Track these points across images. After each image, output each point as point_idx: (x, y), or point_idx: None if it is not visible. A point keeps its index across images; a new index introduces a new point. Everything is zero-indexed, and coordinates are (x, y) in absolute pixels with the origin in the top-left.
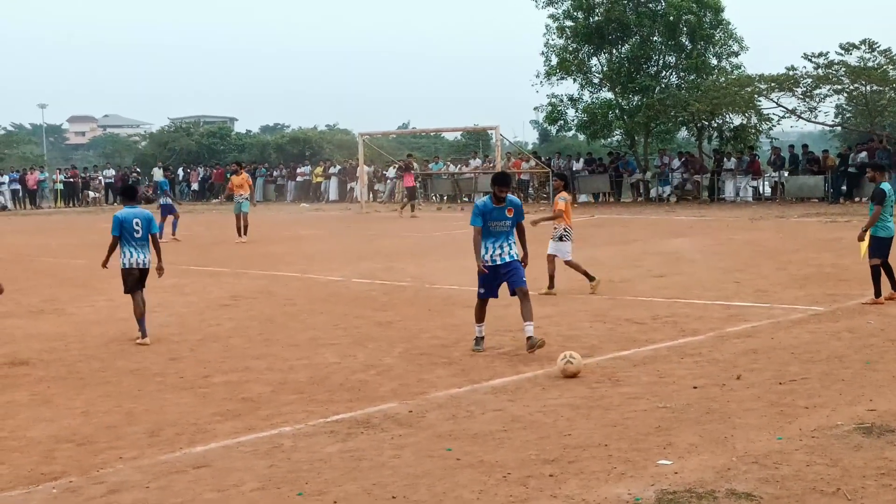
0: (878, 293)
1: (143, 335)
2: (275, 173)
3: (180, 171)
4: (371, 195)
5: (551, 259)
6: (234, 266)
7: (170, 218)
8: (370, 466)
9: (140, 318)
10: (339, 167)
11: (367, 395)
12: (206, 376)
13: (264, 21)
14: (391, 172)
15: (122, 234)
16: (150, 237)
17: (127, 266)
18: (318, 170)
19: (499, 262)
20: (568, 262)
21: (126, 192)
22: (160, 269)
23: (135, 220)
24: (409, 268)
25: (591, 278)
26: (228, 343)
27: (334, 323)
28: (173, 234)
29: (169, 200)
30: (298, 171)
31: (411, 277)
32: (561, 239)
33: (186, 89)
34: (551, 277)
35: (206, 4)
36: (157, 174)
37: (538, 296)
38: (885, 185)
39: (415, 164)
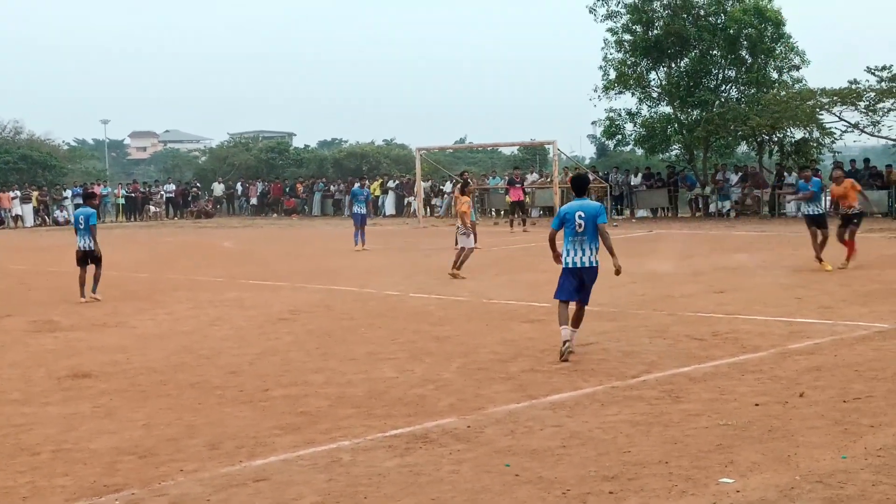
0: None
1: (82, 295)
2: (332, 188)
3: (238, 186)
4: (428, 210)
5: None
6: (294, 280)
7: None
8: (428, 481)
9: (82, 284)
10: (396, 182)
11: (425, 410)
12: (265, 390)
13: (325, 34)
14: (448, 187)
15: (75, 226)
16: (90, 228)
17: (77, 248)
18: (376, 185)
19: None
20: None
21: (84, 196)
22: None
23: (80, 217)
24: (467, 283)
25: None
26: (287, 357)
27: (392, 337)
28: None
29: None
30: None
31: (469, 292)
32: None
33: (247, 104)
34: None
35: (265, 17)
36: (218, 189)
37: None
38: None
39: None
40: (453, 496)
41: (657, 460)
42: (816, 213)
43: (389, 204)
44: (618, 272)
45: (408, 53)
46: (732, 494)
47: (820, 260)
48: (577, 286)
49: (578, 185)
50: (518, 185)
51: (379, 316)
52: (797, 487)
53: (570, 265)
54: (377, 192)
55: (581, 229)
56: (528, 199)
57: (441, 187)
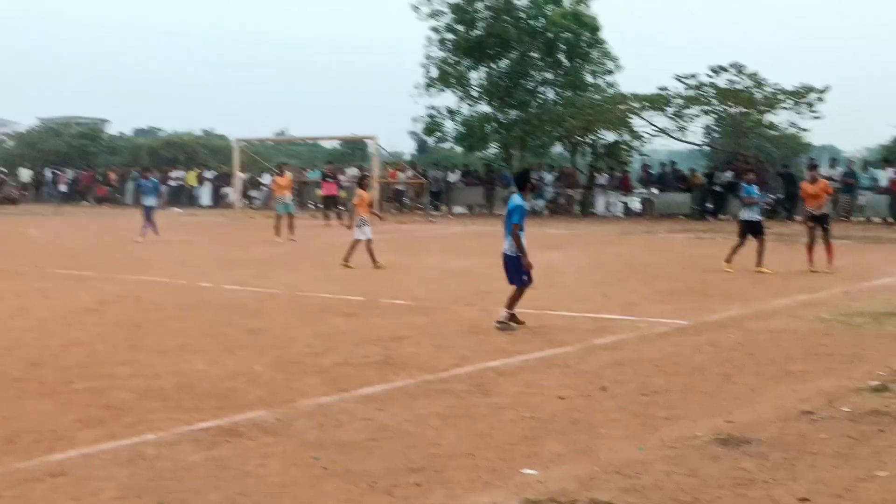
0: None
1: None
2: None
3: (48, 173)
4: (246, 201)
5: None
6: (103, 270)
7: None
8: (235, 475)
9: None
10: (213, 173)
11: (235, 403)
12: (68, 382)
13: (138, 20)
14: (266, 179)
15: None
16: None
17: None
18: (192, 175)
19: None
20: (359, 241)
21: None
22: None
23: None
24: (282, 275)
25: (345, 260)
26: (93, 349)
27: (203, 330)
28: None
29: None
30: (171, 175)
31: (283, 285)
32: (359, 226)
33: (57, 88)
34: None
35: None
36: (25, 175)
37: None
38: None
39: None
40: (259, 489)
41: (464, 452)
42: (755, 219)
43: (206, 195)
44: (527, 266)
45: (229, 43)
46: (535, 485)
47: (757, 264)
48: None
49: (515, 181)
50: (331, 180)
51: (191, 308)
52: (596, 478)
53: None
54: (193, 183)
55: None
56: (343, 194)
57: (259, 179)
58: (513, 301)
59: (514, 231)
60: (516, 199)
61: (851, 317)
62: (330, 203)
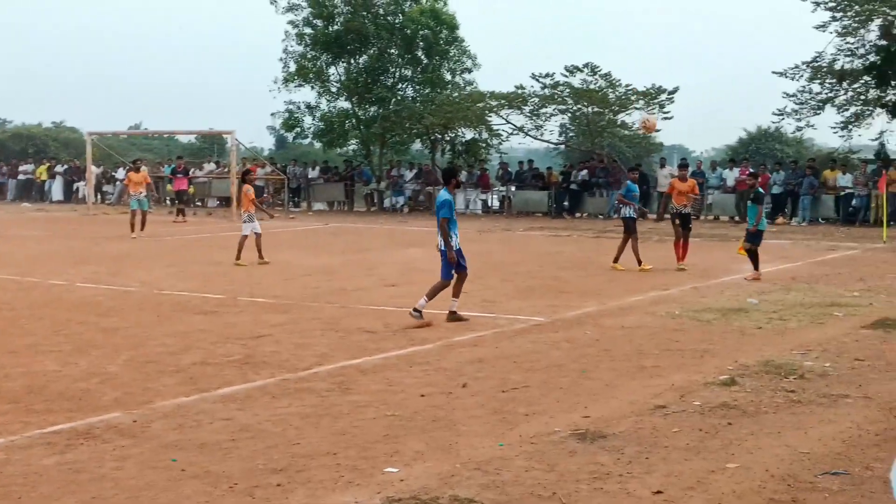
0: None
1: None
2: None
3: None
4: (99, 197)
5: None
6: None
7: None
8: (90, 479)
9: None
10: (64, 166)
11: (89, 405)
12: None
13: None
14: (121, 174)
15: None
16: None
17: None
18: (42, 168)
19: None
20: (247, 237)
21: None
22: None
23: None
24: (138, 273)
25: (238, 258)
26: None
27: (55, 329)
28: None
29: None
30: (21, 168)
31: (139, 283)
32: (246, 221)
33: None
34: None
35: None
36: None
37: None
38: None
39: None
40: (115, 494)
41: (325, 451)
42: (633, 216)
43: (57, 189)
44: (450, 260)
45: (79, 30)
46: (396, 483)
47: (639, 262)
48: None
49: (442, 176)
50: (182, 176)
51: (42, 306)
52: (457, 475)
53: None
54: (44, 177)
55: None
56: (192, 189)
57: (113, 174)
58: (456, 290)
59: (441, 225)
60: (443, 193)
61: (701, 313)
62: (181, 198)
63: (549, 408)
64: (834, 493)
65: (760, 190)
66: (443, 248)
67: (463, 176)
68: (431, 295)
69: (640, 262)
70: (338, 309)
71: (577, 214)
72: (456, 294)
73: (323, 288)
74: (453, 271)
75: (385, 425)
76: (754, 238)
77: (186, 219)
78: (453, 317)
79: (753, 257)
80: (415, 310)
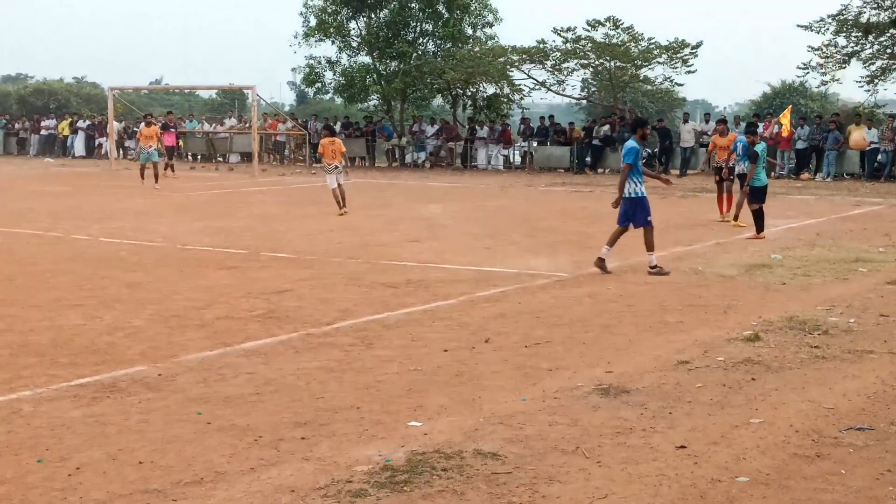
0: (759, 229)
1: None
2: (17, 126)
3: None
4: (121, 152)
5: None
6: None
7: None
8: (116, 431)
9: None
10: (86, 122)
11: (114, 359)
12: None
13: None
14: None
15: None
16: None
17: None
18: (65, 124)
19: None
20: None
21: None
22: None
23: None
24: (161, 228)
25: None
26: None
27: (79, 283)
28: None
29: None
30: (43, 124)
31: (163, 238)
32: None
33: None
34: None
35: None
36: None
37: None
38: (759, 147)
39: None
40: (142, 445)
41: (349, 406)
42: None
43: (79, 145)
44: (614, 205)
45: None
46: (420, 437)
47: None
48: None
49: (630, 126)
50: (172, 130)
51: (66, 261)
52: (480, 429)
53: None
54: (66, 132)
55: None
56: (181, 144)
57: (135, 129)
58: (649, 244)
59: (623, 170)
60: (631, 142)
61: (724, 268)
62: (171, 153)
63: (572, 363)
64: (858, 449)
65: (755, 149)
66: (627, 193)
67: (484, 131)
68: (650, 248)
69: (736, 217)
70: (360, 264)
71: (600, 170)
72: (650, 248)
73: (346, 243)
74: (632, 224)
75: (408, 380)
76: (756, 197)
77: (176, 173)
78: (656, 270)
79: (759, 217)
80: (651, 268)
